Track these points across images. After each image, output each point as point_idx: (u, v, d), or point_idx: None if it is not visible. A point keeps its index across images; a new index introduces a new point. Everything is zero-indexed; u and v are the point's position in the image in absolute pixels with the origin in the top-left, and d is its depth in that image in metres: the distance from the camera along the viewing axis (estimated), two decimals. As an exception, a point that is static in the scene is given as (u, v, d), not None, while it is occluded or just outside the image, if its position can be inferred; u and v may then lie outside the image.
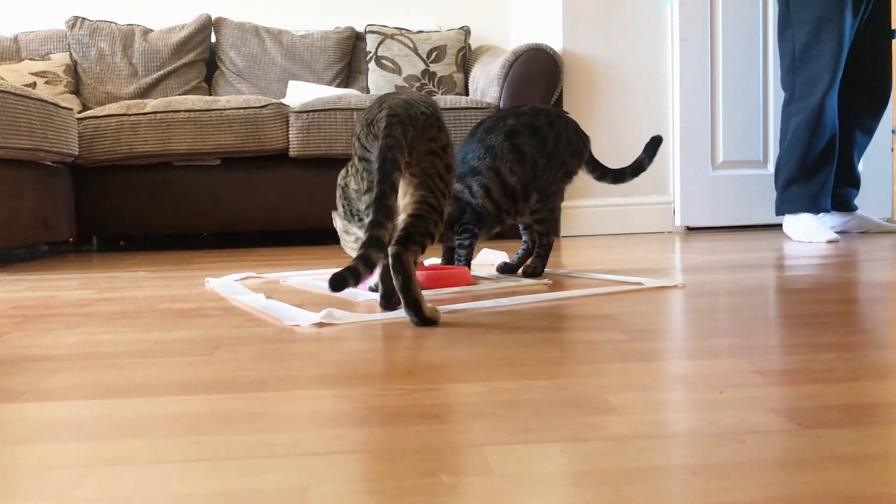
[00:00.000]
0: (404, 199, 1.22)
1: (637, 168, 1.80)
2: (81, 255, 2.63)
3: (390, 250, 1.16)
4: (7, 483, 0.58)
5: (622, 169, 1.80)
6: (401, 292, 1.16)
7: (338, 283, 1.05)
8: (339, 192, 1.45)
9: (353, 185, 1.38)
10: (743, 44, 3.08)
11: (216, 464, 0.60)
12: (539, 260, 1.71)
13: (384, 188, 1.12)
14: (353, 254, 1.41)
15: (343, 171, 1.45)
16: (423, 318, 1.16)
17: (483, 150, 1.65)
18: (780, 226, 3.13)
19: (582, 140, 1.73)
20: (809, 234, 2.58)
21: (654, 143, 1.81)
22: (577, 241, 2.89)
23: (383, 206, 1.11)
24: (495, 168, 1.64)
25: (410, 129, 1.18)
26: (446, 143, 1.24)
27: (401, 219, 1.20)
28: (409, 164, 1.19)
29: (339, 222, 1.51)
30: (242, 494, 0.54)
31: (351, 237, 1.48)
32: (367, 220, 1.12)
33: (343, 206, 1.44)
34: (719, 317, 1.26)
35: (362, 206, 1.29)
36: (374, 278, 1.46)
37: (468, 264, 1.71)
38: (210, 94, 3.47)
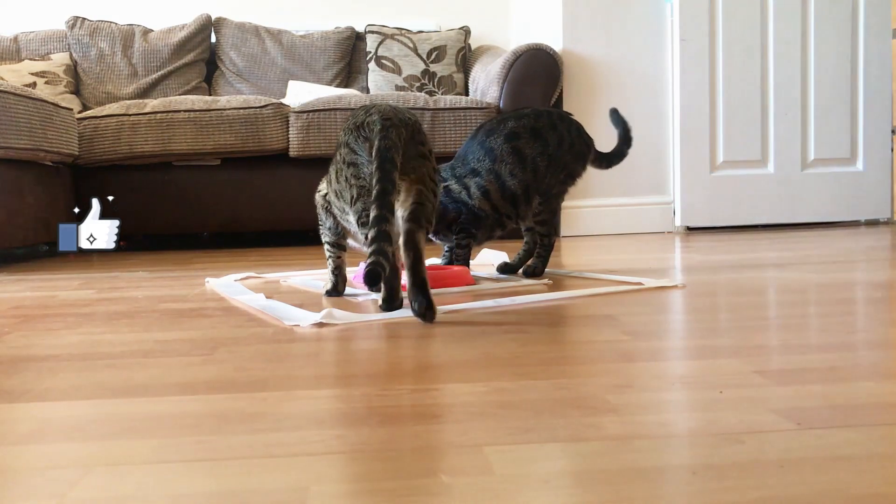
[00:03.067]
0: (399, 198, 1.24)
1: (625, 139, 1.83)
2: (81, 256, 2.63)
3: (404, 227, 1.19)
4: (7, 483, 0.58)
5: (618, 147, 1.83)
6: (410, 270, 1.18)
7: (373, 279, 1.11)
8: (322, 212, 1.46)
9: (336, 203, 1.38)
10: (743, 44, 3.07)
11: (216, 464, 0.60)
12: (540, 260, 1.70)
13: (386, 186, 1.15)
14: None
15: (322, 187, 1.46)
16: (428, 300, 1.17)
17: (483, 152, 1.65)
18: (779, 226, 3.13)
19: (586, 143, 1.72)
20: None
21: (615, 116, 1.85)
22: (577, 241, 2.89)
23: (387, 203, 1.15)
24: (494, 171, 1.64)
25: (403, 132, 1.22)
26: (431, 149, 1.30)
27: (402, 210, 1.24)
28: (402, 167, 1.21)
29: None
30: (242, 494, 0.54)
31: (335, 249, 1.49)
32: (371, 216, 1.15)
33: (330, 224, 1.45)
34: (719, 317, 1.26)
35: (351, 217, 1.31)
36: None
37: (467, 265, 1.71)
38: (210, 94, 3.47)
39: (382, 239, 1.12)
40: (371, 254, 1.12)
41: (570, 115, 1.75)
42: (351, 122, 1.29)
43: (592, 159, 1.76)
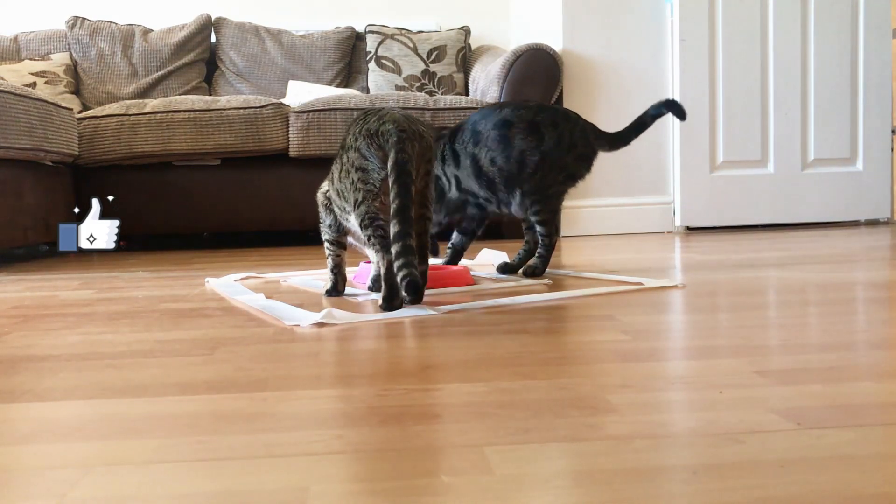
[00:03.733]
0: None
1: (637, 129, 1.77)
2: (81, 255, 2.63)
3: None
4: (7, 483, 0.58)
5: (626, 132, 1.76)
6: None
7: (414, 288, 1.20)
8: (323, 210, 1.48)
9: (336, 201, 1.40)
10: (743, 44, 3.07)
11: (216, 464, 0.60)
12: (540, 260, 1.70)
13: (405, 201, 1.22)
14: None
15: (325, 185, 1.48)
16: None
17: (470, 134, 1.67)
18: (779, 226, 3.13)
19: (591, 146, 1.69)
20: None
21: (662, 108, 1.75)
22: (577, 241, 2.89)
23: (408, 217, 1.22)
24: (474, 155, 1.64)
25: (416, 146, 1.27)
26: (434, 163, 1.39)
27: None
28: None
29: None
30: (242, 494, 0.54)
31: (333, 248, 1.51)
32: (393, 231, 1.22)
33: (330, 222, 1.47)
34: (719, 317, 1.26)
35: (353, 218, 1.33)
36: (372, 277, 1.47)
37: (459, 258, 1.77)
38: (210, 94, 3.47)
39: (409, 253, 1.21)
40: (402, 267, 1.20)
41: (578, 115, 1.72)
42: (362, 127, 1.30)
43: (607, 144, 1.72)
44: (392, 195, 1.22)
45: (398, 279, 1.21)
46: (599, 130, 1.73)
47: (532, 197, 1.65)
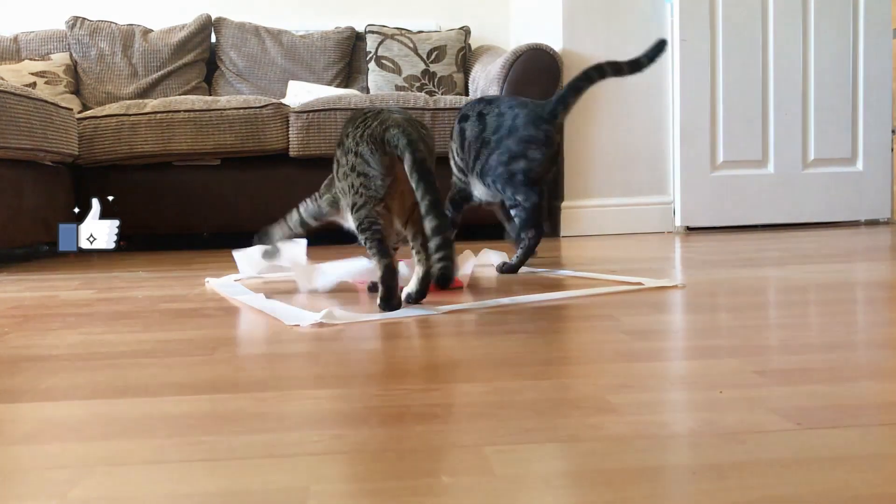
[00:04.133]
0: (403, 217, 1.35)
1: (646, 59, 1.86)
2: (81, 255, 2.63)
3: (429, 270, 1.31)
4: (7, 483, 0.58)
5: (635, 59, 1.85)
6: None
7: (446, 281, 1.25)
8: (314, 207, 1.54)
9: (342, 199, 1.41)
10: (743, 44, 3.07)
11: (216, 464, 0.60)
12: (517, 260, 1.75)
13: (436, 196, 1.24)
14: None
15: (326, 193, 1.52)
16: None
17: (451, 131, 1.87)
18: (779, 226, 3.13)
19: (538, 126, 1.72)
20: None
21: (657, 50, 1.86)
22: (577, 241, 2.89)
23: (441, 213, 1.24)
24: (451, 147, 1.85)
25: (422, 146, 1.28)
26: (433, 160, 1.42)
27: (410, 230, 1.35)
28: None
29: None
30: (242, 494, 0.54)
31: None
32: (429, 226, 1.24)
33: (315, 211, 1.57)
34: (719, 317, 1.26)
35: (351, 218, 1.34)
36: (372, 279, 1.47)
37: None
38: (210, 94, 3.47)
39: (449, 247, 1.23)
40: (442, 259, 1.23)
41: (529, 101, 1.79)
42: (363, 131, 1.30)
43: (602, 73, 1.81)
44: (419, 194, 1.23)
45: (436, 268, 1.24)
46: (560, 101, 1.78)
47: (488, 178, 1.75)
